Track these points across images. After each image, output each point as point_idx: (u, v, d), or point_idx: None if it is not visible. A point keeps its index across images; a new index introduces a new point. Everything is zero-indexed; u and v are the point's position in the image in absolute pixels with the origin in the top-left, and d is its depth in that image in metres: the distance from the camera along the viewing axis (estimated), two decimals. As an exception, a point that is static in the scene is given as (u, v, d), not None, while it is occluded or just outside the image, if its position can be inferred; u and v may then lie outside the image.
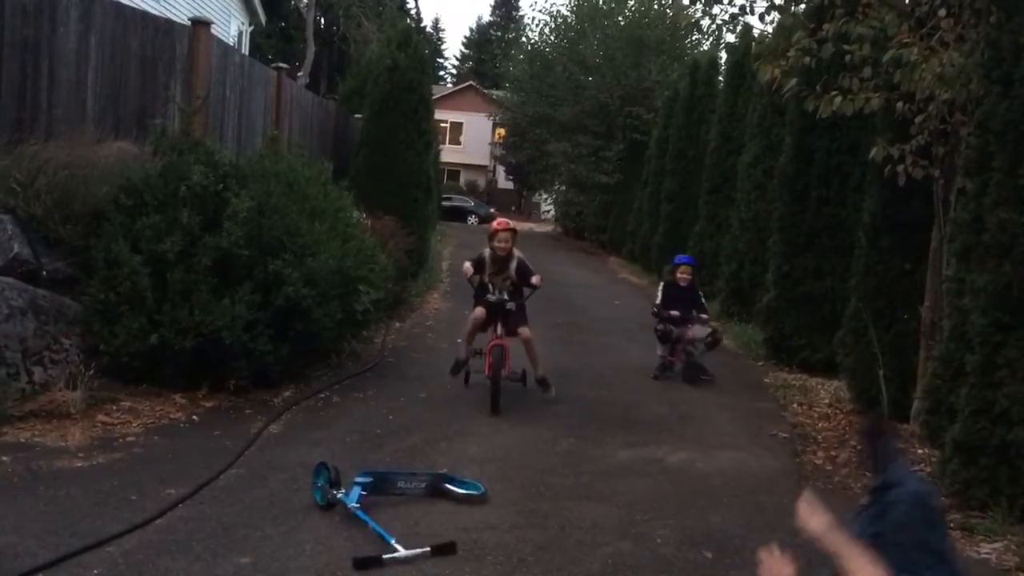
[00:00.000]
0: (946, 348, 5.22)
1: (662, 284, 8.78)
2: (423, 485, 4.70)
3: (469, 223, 35.49)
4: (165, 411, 5.81)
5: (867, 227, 7.12)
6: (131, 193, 6.27)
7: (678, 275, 8.50)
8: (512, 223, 7.43)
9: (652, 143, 20.19)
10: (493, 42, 62.10)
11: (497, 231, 7.12)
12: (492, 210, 37.79)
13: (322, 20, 43.54)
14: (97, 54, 7.10)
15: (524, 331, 6.88)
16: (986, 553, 4.38)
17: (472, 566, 3.85)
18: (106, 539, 3.79)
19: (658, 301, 8.42)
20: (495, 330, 6.92)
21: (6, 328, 5.40)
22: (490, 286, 7.03)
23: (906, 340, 6.68)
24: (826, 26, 6.21)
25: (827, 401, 7.63)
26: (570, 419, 6.52)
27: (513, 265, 7.03)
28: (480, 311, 6.95)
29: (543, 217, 44.05)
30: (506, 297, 6.96)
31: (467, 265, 7.12)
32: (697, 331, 8.15)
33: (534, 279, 6.94)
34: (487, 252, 7.09)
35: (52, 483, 4.43)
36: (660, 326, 8.25)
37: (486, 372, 6.78)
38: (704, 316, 8.33)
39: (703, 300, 8.58)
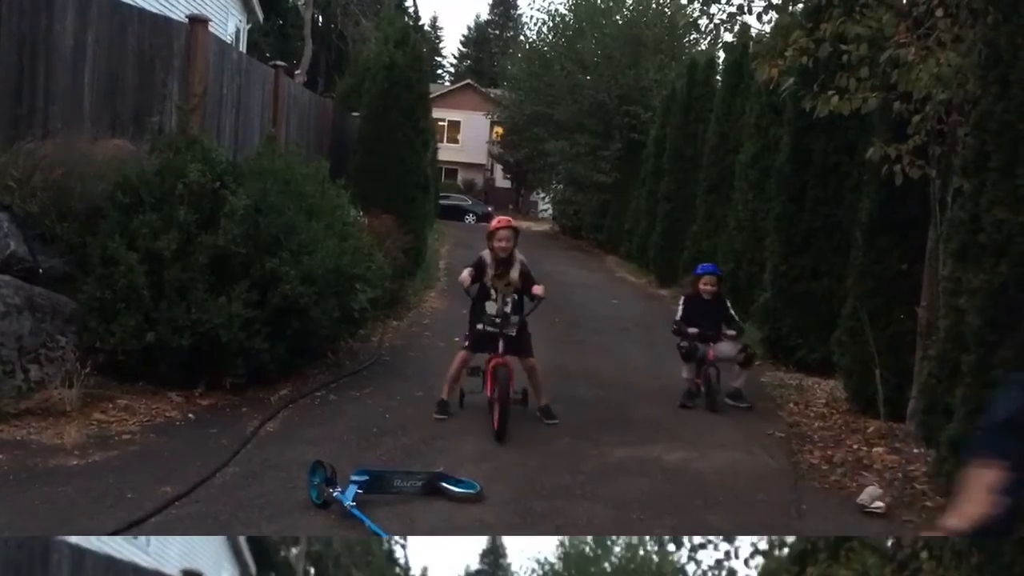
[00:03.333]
0: (942, 348, 5.22)
1: (683, 297, 7.79)
2: (419, 484, 4.71)
3: (467, 221, 35.48)
4: (161, 409, 5.81)
5: (864, 227, 7.13)
6: (128, 191, 6.26)
7: (701, 286, 7.52)
8: (513, 221, 6.79)
9: (650, 142, 20.22)
10: (491, 41, 62.19)
11: (497, 229, 6.52)
12: (490, 208, 37.76)
13: (320, 18, 43.48)
14: (94, 51, 7.09)
15: (530, 361, 6.40)
16: (981, 553, 4.38)
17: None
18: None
19: (678, 316, 7.48)
20: (495, 349, 6.19)
21: (2, 326, 5.39)
22: (492, 292, 6.35)
23: (903, 340, 6.68)
24: (823, 26, 6.21)
25: (823, 401, 7.64)
26: (567, 418, 6.51)
27: (516, 269, 6.40)
28: (465, 354, 6.37)
29: (540, 216, 44.04)
30: (508, 310, 6.24)
31: (464, 275, 6.37)
32: (724, 349, 7.21)
33: (537, 289, 6.31)
34: (487, 254, 6.46)
35: (48, 481, 4.43)
36: (683, 343, 7.25)
37: (488, 394, 6.18)
38: (731, 332, 7.29)
39: (732, 313, 7.46)
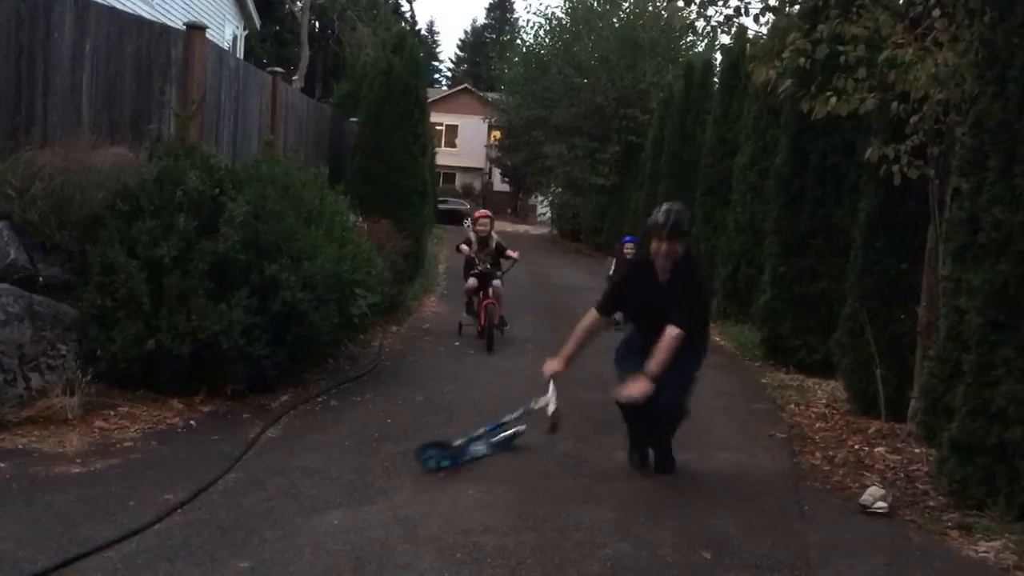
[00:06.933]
0: (943, 348, 5.23)
1: (615, 259, 10.72)
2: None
3: (465, 226, 35.44)
4: (163, 416, 5.80)
5: (863, 227, 7.13)
6: (127, 198, 6.26)
7: (624, 251, 10.54)
8: (489, 212, 10.58)
9: (647, 145, 20.25)
10: (488, 44, 62.22)
11: (478, 218, 10.24)
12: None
13: (317, 24, 43.52)
14: (92, 59, 7.09)
15: (496, 284, 9.50)
16: (984, 552, 4.39)
17: (471, 569, 3.85)
18: (105, 545, 3.78)
19: (610, 272, 10.29)
20: (485, 293, 9.45)
21: (3, 334, 5.39)
22: (476, 259, 9.66)
23: (903, 340, 6.69)
24: (820, 27, 6.23)
25: (824, 402, 7.65)
26: (568, 421, 6.49)
27: (492, 243, 9.84)
28: (473, 281, 9.65)
29: (539, 220, 44.04)
30: (489, 267, 9.62)
31: (463, 247, 9.83)
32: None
33: (513, 253, 9.87)
34: (472, 235, 9.92)
35: (50, 489, 4.42)
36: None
37: (481, 322, 9.35)
38: None
39: None
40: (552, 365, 5.25)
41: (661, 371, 4.81)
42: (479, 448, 5.39)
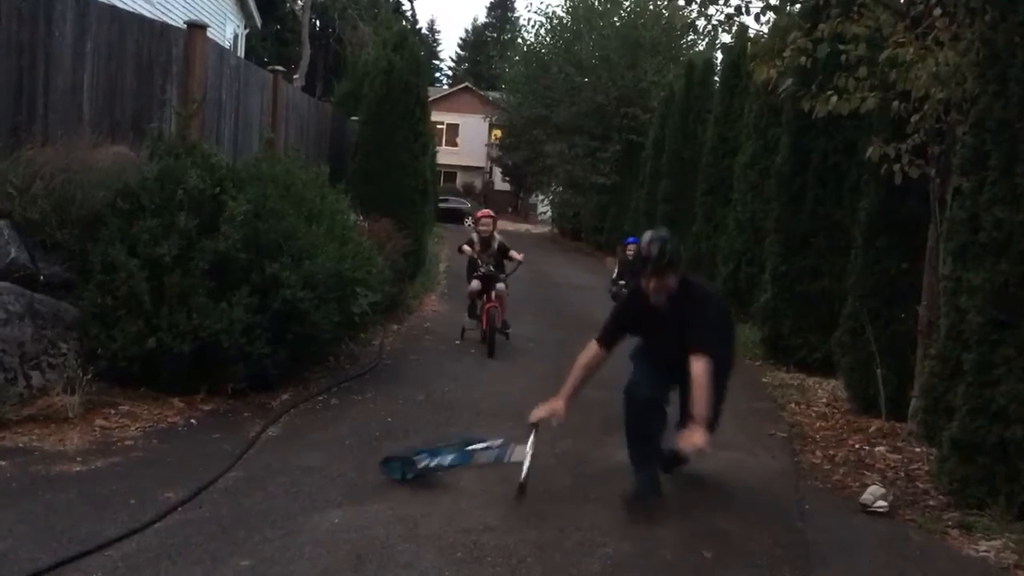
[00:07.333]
0: (943, 347, 5.23)
1: (618, 260, 11.53)
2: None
3: (466, 225, 35.44)
4: (163, 415, 5.80)
5: (864, 227, 7.14)
6: (128, 197, 6.25)
7: (627, 252, 11.00)
8: (492, 212, 10.29)
9: (648, 144, 20.24)
10: (489, 43, 62.22)
11: (480, 218, 9.96)
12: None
13: (317, 23, 43.53)
14: (93, 58, 7.09)
15: (500, 287, 9.21)
16: (984, 551, 4.39)
17: (471, 567, 3.86)
18: (105, 543, 3.78)
19: (614, 275, 11.24)
20: (488, 296, 9.12)
21: (4, 333, 5.39)
22: (479, 261, 9.37)
23: (903, 339, 6.69)
24: (821, 26, 6.23)
25: (824, 401, 7.65)
26: (568, 420, 6.49)
27: (495, 244, 9.58)
28: (476, 284, 9.30)
29: (540, 219, 44.03)
30: (492, 269, 9.34)
31: (466, 247, 9.51)
32: None
33: (517, 255, 9.50)
34: (475, 235, 9.63)
35: (51, 487, 4.42)
36: (613, 289, 10.80)
37: (483, 326, 9.07)
38: None
39: None
40: (542, 411, 4.88)
41: (708, 410, 4.40)
42: (450, 462, 5.03)
